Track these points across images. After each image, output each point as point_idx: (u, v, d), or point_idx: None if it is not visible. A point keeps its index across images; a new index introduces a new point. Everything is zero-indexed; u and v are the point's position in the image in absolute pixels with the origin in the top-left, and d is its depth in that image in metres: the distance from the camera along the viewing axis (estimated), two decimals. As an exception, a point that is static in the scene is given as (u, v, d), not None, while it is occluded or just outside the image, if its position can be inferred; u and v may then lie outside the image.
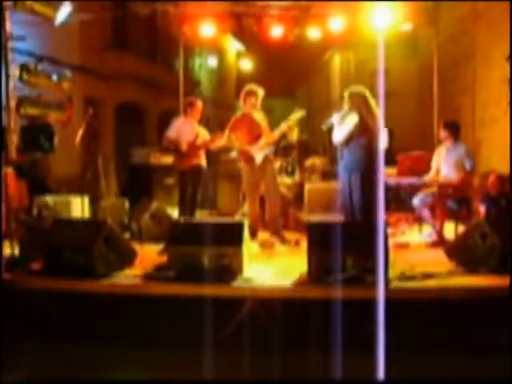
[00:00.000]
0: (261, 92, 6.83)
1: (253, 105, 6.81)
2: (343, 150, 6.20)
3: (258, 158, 6.72)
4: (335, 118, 6.15)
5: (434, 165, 6.82)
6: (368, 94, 6.13)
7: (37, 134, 6.82)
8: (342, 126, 6.08)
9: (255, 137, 6.75)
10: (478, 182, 7.94)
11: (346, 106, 6.19)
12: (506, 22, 8.65)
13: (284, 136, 7.39)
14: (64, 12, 7.38)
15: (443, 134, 6.70)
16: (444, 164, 6.65)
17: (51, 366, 4.08)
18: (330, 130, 6.28)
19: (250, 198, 6.92)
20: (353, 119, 6.01)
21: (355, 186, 6.01)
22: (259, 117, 6.87)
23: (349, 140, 6.05)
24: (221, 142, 7.26)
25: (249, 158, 6.77)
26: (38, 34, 8.97)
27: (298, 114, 6.79)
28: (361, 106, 6.07)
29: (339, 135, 6.08)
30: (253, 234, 6.70)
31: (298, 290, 4.59)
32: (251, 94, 6.82)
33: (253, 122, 6.80)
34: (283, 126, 6.77)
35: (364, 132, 6.01)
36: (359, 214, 5.95)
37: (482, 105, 10.91)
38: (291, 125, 6.86)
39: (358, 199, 5.99)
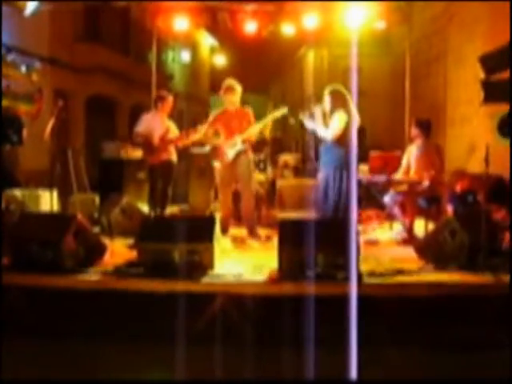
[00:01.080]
0: (238, 88, 6.79)
1: (230, 101, 6.77)
2: (324, 147, 6.25)
3: (230, 154, 6.70)
4: (317, 114, 6.19)
5: (404, 162, 6.88)
6: (346, 92, 6.20)
7: (5, 127, 6.69)
8: (331, 124, 6.13)
9: (231, 132, 6.72)
10: (448, 180, 8.03)
11: (327, 104, 6.22)
12: (479, 23, 8.76)
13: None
14: (34, 1, 7.24)
15: (414, 131, 6.77)
16: (414, 162, 6.72)
17: (21, 363, 3.99)
18: (302, 124, 6.31)
19: (222, 194, 6.92)
20: (343, 118, 6.08)
21: (336, 183, 6.06)
22: (240, 113, 6.81)
23: (340, 138, 6.11)
24: (194, 137, 7.22)
25: (221, 154, 6.76)
26: (6, 24, 8.78)
27: (280, 112, 6.75)
28: (345, 104, 6.14)
29: (329, 134, 6.12)
30: (224, 230, 6.69)
31: (269, 286, 4.58)
32: (229, 90, 6.78)
33: (231, 118, 6.76)
34: (262, 123, 6.75)
35: (347, 130, 6.09)
36: (335, 211, 6.00)
37: (453, 104, 11.04)
38: (269, 122, 6.84)
39: (336, 195, 6.04)
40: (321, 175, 6.26)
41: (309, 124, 6.35)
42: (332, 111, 6.23)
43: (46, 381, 3.71)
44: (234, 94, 6.76)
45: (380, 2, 9.13)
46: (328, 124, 6.23)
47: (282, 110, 6.76)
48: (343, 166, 6.08)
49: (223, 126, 6.77)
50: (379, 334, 4.20)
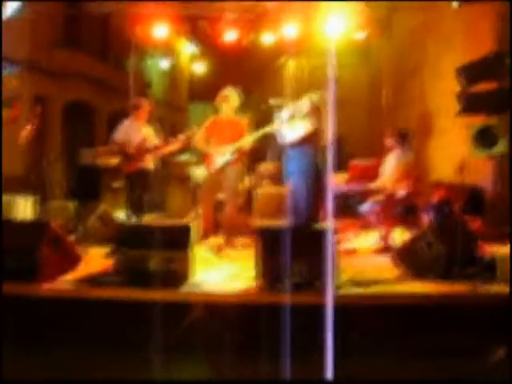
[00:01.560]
0: (232, 97, 6.74)
1: (223, 110, 6.74)
2: (289, 153, 6.23)
3: (218, 163, 6.67)
4: (285, 113, 6.16)
5: (382, 172, 6.92)
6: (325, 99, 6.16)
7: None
8: (295, 127, 6.11)
9: (223, 142, 6.68)
10: (426, 190, 8.09)
11: (303, 109, 6.18)
12: (456, 35, 8.86)
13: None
14: (12, 6, 7.16)
15: (389, 142, 6.80)
16: (392, 172, 6.75)
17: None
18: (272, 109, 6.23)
19: (204, 202, 6.87)
20: (306, 127, 6.05)
21: (306, 192, 6.05)
22: (233, 122, 6.77)
23: (296, 145, 6.09)
24: (174, 146, 7.20)
25: (209, 162, 6.75)
26: (-17, 28, 8.68)
27: (272, 127, 6.65)
28: (318, 116, 6.11)
29: (293, 135, 6.10)
30: (204, 237, 6.66)
31: (246, 295, 4.56)
32: (222, 98, 6.74)
33: (224, 127, 6.72)
34: (254, 136, 6.69)
35: (314, 140, 6.06)
36: (307, 220, 6.00)
37: (430, 115, 11.13)
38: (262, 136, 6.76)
39: (306, 206, 6.03)
40: (290, 185, 6.22)
41: (277, 119, 6.27)
42: (304, 117, 6.16)
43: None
44: (227, 103, 6.72)
45: (360, 12, 9.21)
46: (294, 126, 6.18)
47: (274, 126, 6.65)
48: (312, 176, 6.06)
49: (215, 134, 6.74)
50: (356, 344, 4.20)
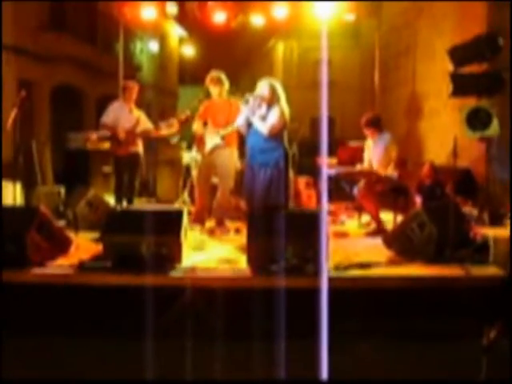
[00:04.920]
0: (223, 80, 6.68)
1: (216, 92, 6.68)
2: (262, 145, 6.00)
3: (208, 145, 6.63)
4: (251, 106, 5.95)
5: (365, 157, 6.89)
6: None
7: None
8: (268, 116, 5.93)
9: (216, 124, 6.62)
10: (413, 171, 8.08)
11: (266, 96, 5.93)
12: (448, 17, 8.82)
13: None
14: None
15: (367, 131, 6.76)
16: (373, 156, 6.72)
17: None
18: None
19: (198, 186, 6.83)
20: (283, 112, 5.88)
21: (280, 183, 5.92)
22: (226, 104, 6.67)
23: (269, 136, 5.90)
24: (168, 130, 7.16)
25: (200, 144, 6.74)
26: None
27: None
28: (281, 99, 5.97)
29: (266, 127, 5.83)
30: (200, 221, 6.61)
31: (238, 279, 4.54)
32: (211, 81, 6.68)
33: (217, 110, 6.66)
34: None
35: (282, 128, 5.93)
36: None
37: (421, 97, 11.13)
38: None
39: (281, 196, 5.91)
40: (262, 175, 5.92)
41: (246, 111, 5.97)
42: (269, 104, 5.92)
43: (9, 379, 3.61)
44: (219, 86, 6.65)
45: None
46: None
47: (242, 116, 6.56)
48: (286, 167, 5.92)
49: (210, 117, 6.69)
50: (348, 327, 4.20)
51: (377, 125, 6.71)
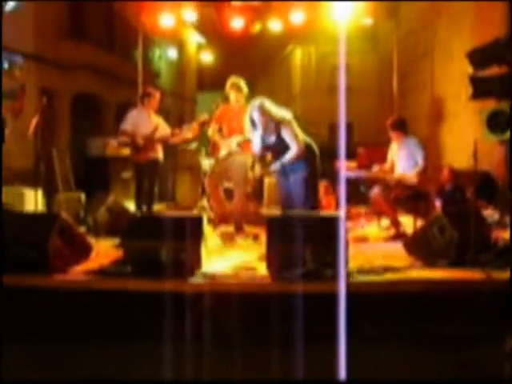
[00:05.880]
0: (243, 87, 6.73)
1: (234, 98, 6.72)
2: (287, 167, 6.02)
3: (223, 151, 6.67)
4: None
5: (388, 160, 6.86)
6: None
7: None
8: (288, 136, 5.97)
9: (232, 131, 6.66)
10: (433, 175, 8.02)
11: (262, 120, 5.90)
12: (466, 18, 8.76)
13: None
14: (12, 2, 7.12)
15: (393, 134, 6.73)
16: (397, 160, 6.69)
17: (5, 363, 3.92)
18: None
19: (213, 190, 6.85)
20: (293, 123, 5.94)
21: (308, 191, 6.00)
22: (242, 112, 6.68)
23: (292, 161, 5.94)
24: (184, 135, 7.19)
25: (216, 150, 6.77)
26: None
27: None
28: (272, 112, 5.97)
29: (294, 147, 5.84)
30: (217, 224, 6.65)
31: (257, 285, 4.53)
32: (232, 87, 6.73)
33: (233, 116, 6.69)
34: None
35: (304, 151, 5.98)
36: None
37: (440, 99, 11.05)
38: None
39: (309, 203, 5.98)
40: (294, 178, 5.95)
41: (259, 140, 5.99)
42: (265, 126, 5.89)
43: (33, 381, 3.65)
44: (238, 91, 6.71)
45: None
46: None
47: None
48: (315, 183, 5.98)
49: (226, 123, 6.73)
50: (369, 332, 4.18)
51: (402, 128, 6.68)
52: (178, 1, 9.17)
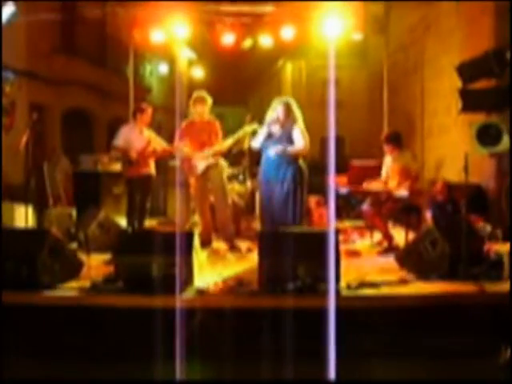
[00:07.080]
0: (208, 99, 6.76)
1: (199, 112, 6.74)
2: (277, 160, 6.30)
3: (200, 166, 6.66)
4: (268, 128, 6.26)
5: (383, 173, 6.88)
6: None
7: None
8: (297, 135, 6.18)
9: (201, 145, 6.68)
10: (426, 189, 8.04)
11: (281, 118, 6.28)
12: (456, 33, 8.83)
13: (236, 144, 7.32)
14: (7, 13, 7.12)
15: (387, 148, 6.76)
16: (391, 173, 6.71)
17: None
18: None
19: (200, 207, 6.86)
20: (299, 134, 6.25)
21: (297, 198, 6.20)
22: (207, 124, 6.78)
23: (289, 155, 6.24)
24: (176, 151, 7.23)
25: (190, 167, 6.71)
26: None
27: (249, 128, 6.72)
28: (299, 119, 6.35)
29: (301, 144, 6.25)
30: (205, 243, 6.61)
31: (249, 300, 4.51)
32: (198, 101, 6.76)
33: (199, 130, 6.73)
34: (234, 138, 6.72)
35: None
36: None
37: (430, 114, 11.11)
38: (242, 137, 6.82)
39: (296, 212, 6.19)
40: (279, 189, 6.24)
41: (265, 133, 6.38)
42: (283, 125, 6.29)
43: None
44: (203, 105, 6.75)
45: (356, 11, 9.17)
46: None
47: (253, 126, 6.71)
48: (303, 183, 6.23)
49: (191, 139, 6.72)
50: (361, 347, 4.15)
51: (396, 141, 6.72)
52: (169, 15, 9.19)
